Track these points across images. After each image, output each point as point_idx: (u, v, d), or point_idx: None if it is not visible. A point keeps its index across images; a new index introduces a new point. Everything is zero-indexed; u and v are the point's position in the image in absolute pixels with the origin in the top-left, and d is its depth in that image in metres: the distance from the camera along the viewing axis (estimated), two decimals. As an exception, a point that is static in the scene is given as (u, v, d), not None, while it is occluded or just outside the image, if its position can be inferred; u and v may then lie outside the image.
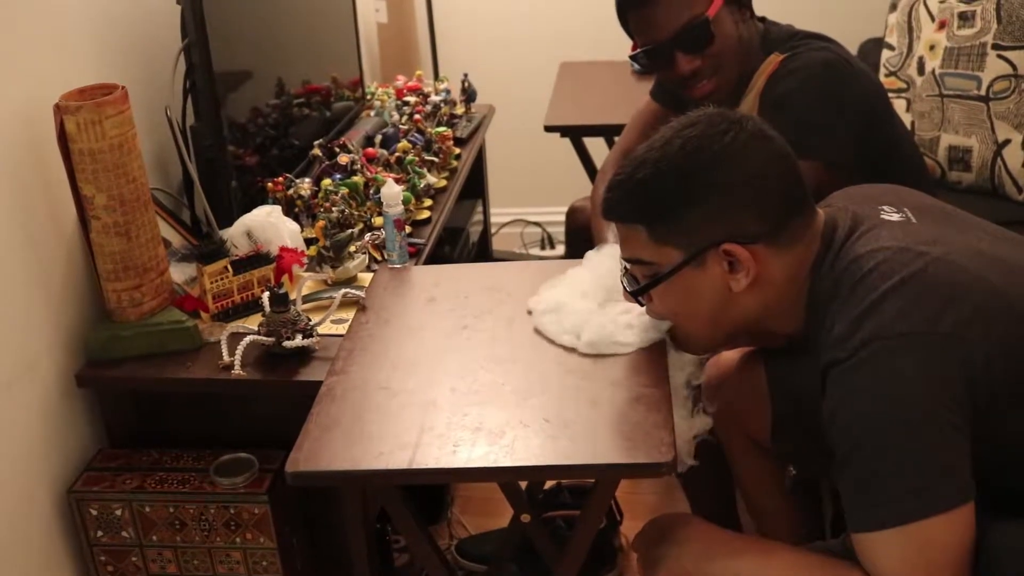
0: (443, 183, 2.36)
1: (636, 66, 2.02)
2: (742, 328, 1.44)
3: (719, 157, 1.34)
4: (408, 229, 2.03)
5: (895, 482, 1.21)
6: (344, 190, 2.07)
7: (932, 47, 2.62)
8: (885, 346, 1.22)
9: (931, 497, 1.20)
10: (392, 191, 1.93)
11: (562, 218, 2.63)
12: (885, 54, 2.74)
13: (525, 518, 1.71)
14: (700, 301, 1.39)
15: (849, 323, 1.25)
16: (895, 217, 1.39)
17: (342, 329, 1.70)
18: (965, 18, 2.56)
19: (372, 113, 2.63)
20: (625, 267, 1.44)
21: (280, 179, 2.13)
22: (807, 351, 1.39)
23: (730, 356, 1.73)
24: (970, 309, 1.23)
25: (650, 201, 1.36)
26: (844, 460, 1.25)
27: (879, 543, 1.22)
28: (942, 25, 2.60)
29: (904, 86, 2.68)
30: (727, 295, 1.37)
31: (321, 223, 1.93)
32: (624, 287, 1.46)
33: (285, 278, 1.86)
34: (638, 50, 1.92)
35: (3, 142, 1.60)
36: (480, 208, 2.93)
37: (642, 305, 1.47)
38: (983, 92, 2.52)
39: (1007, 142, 2.51)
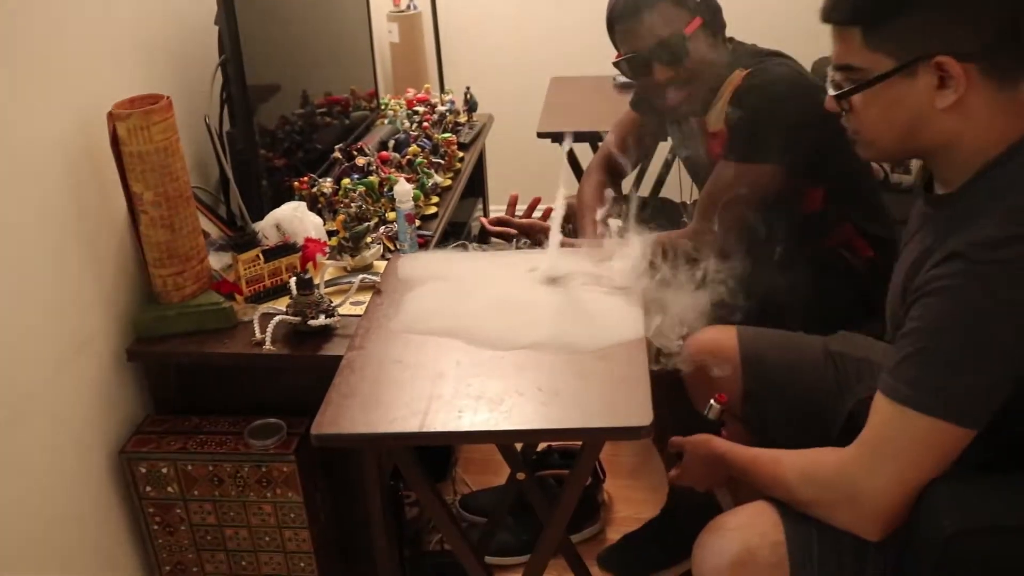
0: (448, 182, 2.36)
1: (618, 78, 2.02)
2: (926, 151, 1.28)
3: None
4: (417, 223, 2.03)
5: (925, 369, 1.17)
6: (361, 188, 2.07)
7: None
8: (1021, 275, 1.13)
9: (937, 398, 1.16)
10: (403, 189, 1.94)
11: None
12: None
13: (520, 476, 1.72)
14: (901, 112, 1.24)
15: (1007, 235, 1.14)
16: None
17: (360, 310, 1.70)
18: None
19: (386, 121, 2.63)
20: (831, 75, 1.29)
21: (305, 179, 2.13)
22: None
23: (707, 332, 1.69)
24: None
25: (870, 3, 1.21)
26: (907, 330, 1.20)
27: (879, 405, 1.22)
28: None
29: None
30: (929, 111, 1.22)
31: (341, 217, 1.94)
32: (830, 92, 1.30)
33: (310, 265, 1.86)
34: (621, 57, 1.94)
35: (63, 146, 1.60)
36: (480, 205, 2.92)
37: (843, 112, 1.31)
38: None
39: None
